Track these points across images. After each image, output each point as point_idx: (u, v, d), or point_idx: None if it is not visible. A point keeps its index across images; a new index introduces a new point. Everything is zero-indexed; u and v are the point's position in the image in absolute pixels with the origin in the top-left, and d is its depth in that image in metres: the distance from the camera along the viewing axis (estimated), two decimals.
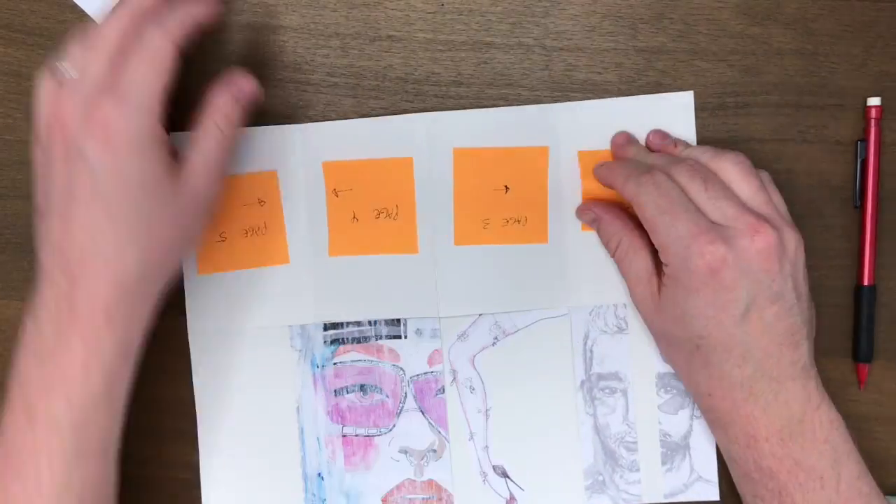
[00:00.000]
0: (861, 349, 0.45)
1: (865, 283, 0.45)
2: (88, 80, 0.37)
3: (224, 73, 0.41)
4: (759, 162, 0.45)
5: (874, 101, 0.44)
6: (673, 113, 0.45)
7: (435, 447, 0.46)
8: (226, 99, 0.40)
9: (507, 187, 0.45)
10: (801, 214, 0.45)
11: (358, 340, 0.46)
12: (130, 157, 0.37)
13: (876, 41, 0.45)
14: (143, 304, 0.40)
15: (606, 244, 0.44)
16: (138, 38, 0.38)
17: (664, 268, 0.40)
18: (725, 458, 0.42)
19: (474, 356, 0.46)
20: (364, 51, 0.47)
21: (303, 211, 0.46)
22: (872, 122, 0.44)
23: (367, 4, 0.46)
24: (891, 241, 0.45)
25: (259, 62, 0.47)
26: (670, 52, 0.45)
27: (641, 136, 0.45)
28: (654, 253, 0.41)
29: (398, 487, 0.46)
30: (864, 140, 0.45)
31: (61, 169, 0.38)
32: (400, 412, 0.46)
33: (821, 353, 0.46)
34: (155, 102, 0.37)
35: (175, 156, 0.40)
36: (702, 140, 0.45)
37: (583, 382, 0.46)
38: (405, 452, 0.46)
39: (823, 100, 0.45)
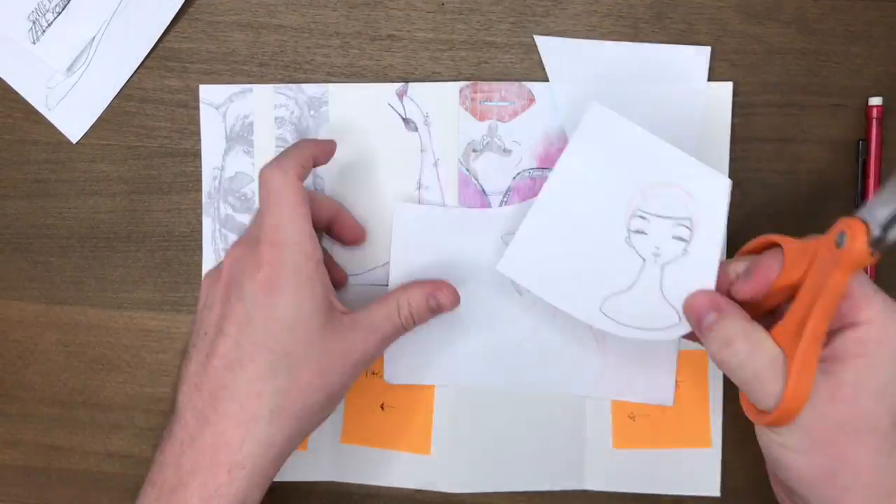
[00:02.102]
0: None
1: None
2: (244, 237, 0.39)
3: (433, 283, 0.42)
4: (760, 162, 0.45)
5: (875, 101, 0.44)
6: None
7: None
8: (423, 299, 0.41)
9: None
10: (802, 214, 0.45)
11: None
12: (282, 294, 0.36)
13: (877, 41, 0.45)
14: (271, 457, 0.36)
15: (720, 346, 0.35)
16: (265, 188, 0.38)
17: (849, 334, 0.33)
18: None
19: None
20: (364, 50, 0.47)
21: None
22: (874, 121, 0.44)
23: (368, 4, 0.46)
24: None
25: (259, 62, 0.47)
26: None
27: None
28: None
29: None
30: (866, 140, 0.45)
31: (218, 309, 0.37)
32: None
33: None
34: (304, 239, 0.37)
35: (335, 304, 0.39)
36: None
37: None
38: None
39: (825, 99, 0.45)
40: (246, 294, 0.36)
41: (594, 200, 0.38)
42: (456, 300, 0.42)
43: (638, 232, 0.37)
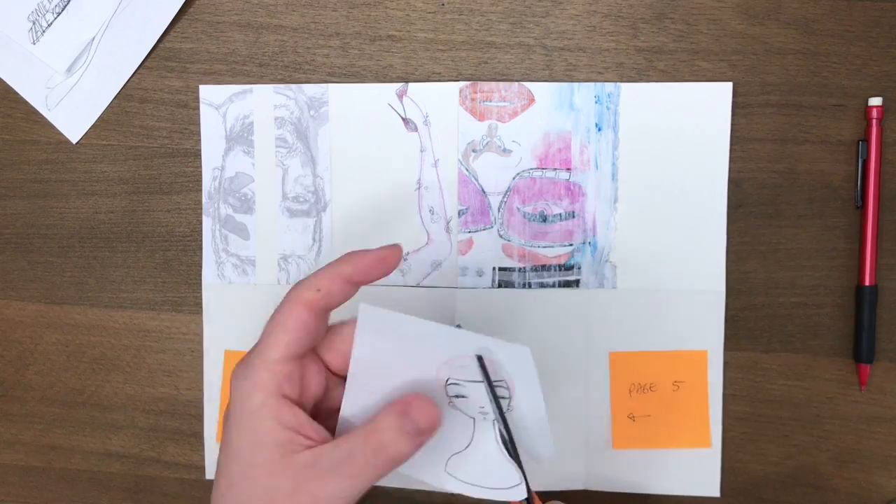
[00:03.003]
0: (862, 350, 0.45)
1: (867, 283, 0.45)
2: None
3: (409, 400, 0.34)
4: (760, 162, 0.45)
5: (875, 101, 0.44)
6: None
7: None
8: (397, 423, 0.34)
9: None
10: (802, 215, 0.45)
11: None
12: (228, 427, 0.34)
13: (877, 41, 0.45)
14: None
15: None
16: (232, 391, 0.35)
17: None
18: None
19: None
20: (364, 51, 0.47)
21: None
22: (874, 122, 0.44)
23: (368, 4, 0.46)
24: (892, 241, 0.45)
25: (259, 62, 0.47)
26: (671, 52, 0.45)
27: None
28: None
29: None
30: (866, 140, 0.45)
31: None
32: None
33: (822, 354, 0.46)
34: (277, 363, 0.34)
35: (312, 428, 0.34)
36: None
37: None
38: None
39: (825, 100, 0.45)
40: (230, 412, 0.35)
41: (403, 379, 0.35)
42: (436, 417, 0.34)
43: (458, 396, 0.35)
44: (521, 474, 0.35)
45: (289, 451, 0.33)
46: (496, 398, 0.35)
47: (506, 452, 0.36)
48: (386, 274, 0.35)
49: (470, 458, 0.36)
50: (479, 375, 0.34)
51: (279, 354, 0.34)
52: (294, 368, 0.34)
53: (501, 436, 0.36)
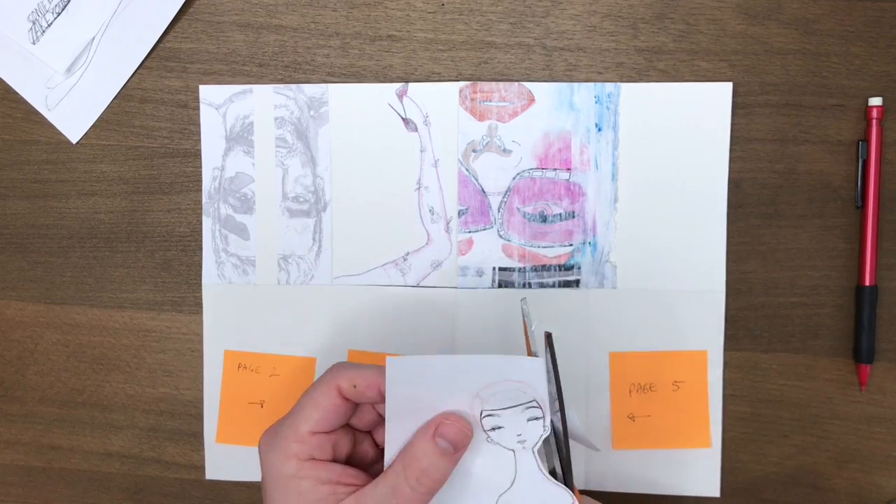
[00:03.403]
0: (862, 350, 0.45)
1: (867, 283, 0.45)
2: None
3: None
4: (760, 162, 0.45)
5: (875, 101, 0.44)
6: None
7: None
8: (431, 447, 0.35)
9: None
10: (802, 215, 0.45)
11: None
12: (289, 483, 0.36)
13: (877, 41, 0.45)
14: None
15: None
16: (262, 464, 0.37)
17: None
18: None
19: None
20: (364, 51, 0.47)
21: None
22: (874, 122, 0.44)
23: (368, 4, 0.46)
24: (892, 241, 0.45)
25: (259, 62, 0.47)
26: (671, 52, 0.45)
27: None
28: None
29: None
30: (866, 140, 0.45)
31: None
32: None
33: (822, 354, 0.46)
34: (307, 435, 0.36)
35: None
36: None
37: None
38: None
39: (824, 100, 0.45)
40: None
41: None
42: (467, 429, 0.36)
43: (494, 429, 0.36)
44: (570, 494, 0.36)
45: (334, 501, 0.35)
46: (558, 379, 0.36)
47: (550, 477, 0.36)
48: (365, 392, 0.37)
49: (518, 494, 0.36)
50: (514, 399, 0.35)
51: (309, 428, 0.36)
52: (324, 440, 0.36)
53: (556, 436, 0.36)
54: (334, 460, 0.37)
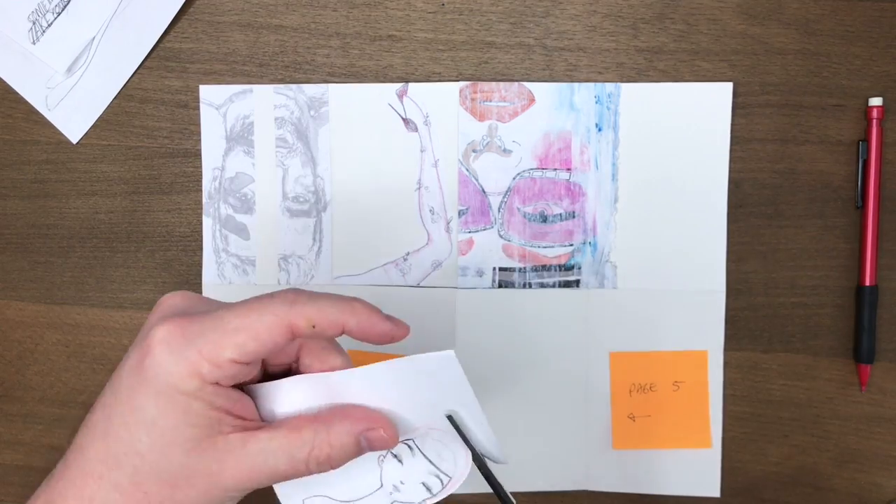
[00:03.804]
0: (862, 350, 0.45)
1: (867, 283, 0.45)
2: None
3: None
4: (760, 162, 0.45)
5: (876, 102, 0.44)
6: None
7: None
8: (351, 440, 0.32)
9: None
10: (802, 215, 0.45)
11: None
12: (178, 397, 0.31)
13: (878, 41, 0.45)
14: None
15: None
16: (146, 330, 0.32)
17: None
18: None
19: None
20: (364, 51, 0.47)
21: None
22: (874, 122, 0.44)
23: (368, 4, 0.46)
24: (892, 241, 0.45)
25: (259, 62, 0.47)
26: (671, 53, 0.45)
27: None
28: None
29: None
30: (866, 140, 0.45)
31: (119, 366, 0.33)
32: None
33: (822, 354, 0.46)
34: (227, 362, 0.30)
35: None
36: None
37: None
38: None
39: (825, 100, 0.45)
40: (122, 376, 0.32)
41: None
42: (394, 440, 0.32)
43: (395, 457, 0.34)
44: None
45: (215, 432, 0.31)
46: (477, 456, 0.34)
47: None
48: (381, 344, 0.33)
49: (408, 481, 0.35)
50: (440, 460, 0.33)
51: (234, 356, 0.30)
52: (240, 368, 0.31)
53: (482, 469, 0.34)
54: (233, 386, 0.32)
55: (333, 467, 0.32)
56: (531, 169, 0.46)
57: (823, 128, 0.45)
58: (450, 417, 0.33)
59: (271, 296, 0.31)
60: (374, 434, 0.32)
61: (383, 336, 0.32)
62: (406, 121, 0.47)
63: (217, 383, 0.30)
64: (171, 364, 0.30)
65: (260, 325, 0.30)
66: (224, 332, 0.30)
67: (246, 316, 0.30)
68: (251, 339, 0.30)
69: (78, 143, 0.49)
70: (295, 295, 0.31)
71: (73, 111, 0.48)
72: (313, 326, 0.31)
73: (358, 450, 0.32)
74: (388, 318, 0.33)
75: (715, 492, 0.46)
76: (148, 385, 0.30)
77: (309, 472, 0.32)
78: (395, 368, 0.31)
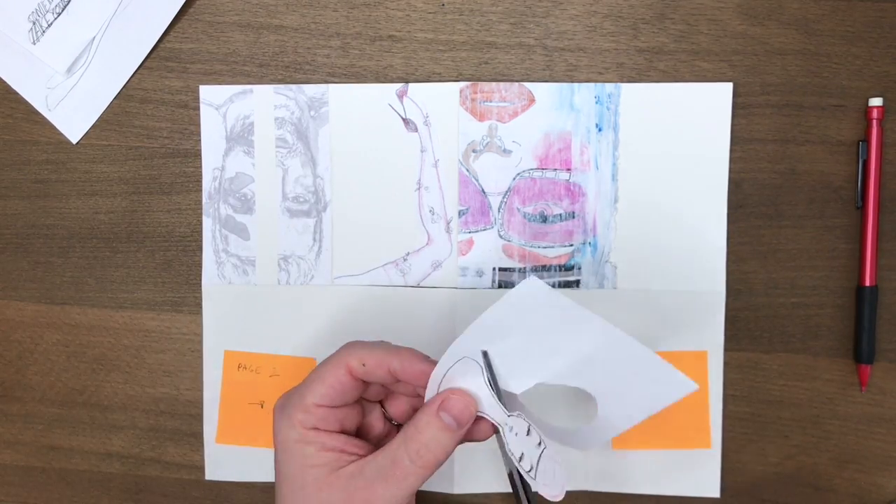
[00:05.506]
0: (862, 350, 0.45)
1: (867, 283, 0.45)
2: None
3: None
4: (760, 162, 0.45)
5: (876, 102, 0.44)
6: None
7: None
8: (433, 419, 0.36)
9: None
10: (802, 215, 0.45)
11: None
12: (294, 446, 0.37)
13: (878, 41, 0.45)
14: None
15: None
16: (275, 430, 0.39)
17: None
18: None
19: None
20: (364, 51, 0.47)
21: None
22: (874, 122, 0.44)
23: (368, 4, 0.46)
24: (892, 241, 0.45)
25: (259, 62, 0.47)
26: (672, 53, 0.45)
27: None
28: None
29: None
30: (866, 140, 0.45)
31: None
32: None
33: (822, 355, 0.46)
34: (312, 407, 0.37)
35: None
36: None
37: None
38: None
39: (825, 100, 0.45)
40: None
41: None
42: (472, 406, 0.36)
43: (511, 428, 0.36)
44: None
45: (335, 467, 0.36)
46: (499, 393, 0.36)
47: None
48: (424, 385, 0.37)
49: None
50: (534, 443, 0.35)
51: (314, 401, 0.37)
52: (329, 413, 0.37)
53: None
54: (342, 431, 0.37)
55: (434, 454, 0.35)
56: (531, 169, 0.46)
57: (823, 128, 0.45)
58: (484, 353, 0.36)
59: (340, 348, 0.38)
60: (448, 403, 0.36)
61: (424, 375, 0.37)
62: (406, 121, 0.47)
63: (317, 428, 0.37)
64: (280, 422, 0.37)
65: (325, 372, 0.37)
66: (306, 385, 0.37)
67: (318, 369, 0.38)
68: (320, 383, 0.37)
69: (78, 143, 0.49)
70: (353, 343, 0.38)
71: (73, 111, 0.48)
72: (363, 365, 0.37)
73: (443, 424, 0.35)
74: (429, 359, 0.37)
75: (715, 492, 0.46)
76: (277, 446, 0.38)
77: (415, 468, 0.35)
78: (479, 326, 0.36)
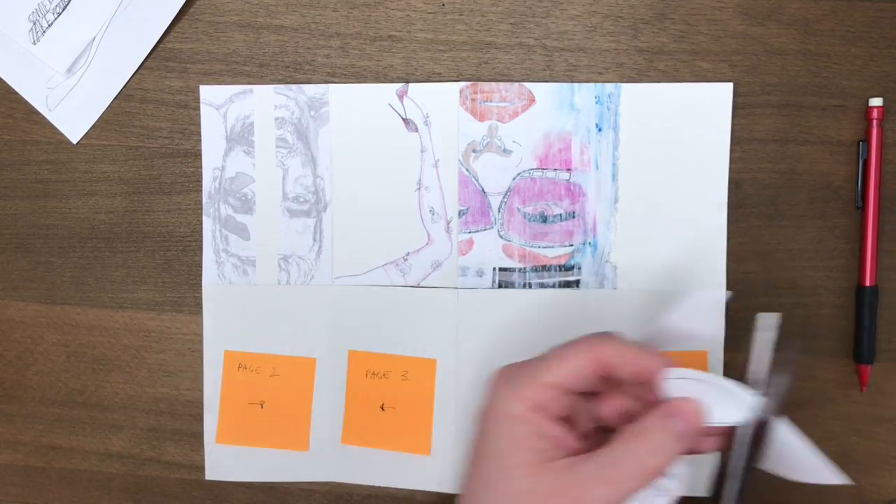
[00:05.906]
0: (862, 350, 0.45)
1: (867, 283, 0.45)
2: None
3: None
4: (760, 162, 0.45)
5: (876, 102, 0.44)
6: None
7: None
8: (662, 429, 0.34)
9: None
10: (802, 215, 0.45)
11: None
12: (485, 426, 0.35)
13: (878, 41, 0.45)
14: None
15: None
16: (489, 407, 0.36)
17: None
18: None
19: None
20: (364, 51, 0.47)
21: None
22: (874, 122, 0.44)
23: (368, 4, 0.46)
24: (892, 241, 0.45)
25: (260, 62, 0.47)
26: (672, 53, 0.45)
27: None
28: None
29: None
30: (866, 141, 0.45)
31: None
32: None
33: (822, 355, 0.46)
34: (545, 385, 0.34)
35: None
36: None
37: None
38: None
39: (825, 100, 0.45)
40: (479, 423, 0.36)
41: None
42: (702, 417, 0.35)
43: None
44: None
45: (548, 457, 0.33)
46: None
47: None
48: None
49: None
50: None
51: (549, 379, 0.34)
52: (559, 396, 0.34)
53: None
54: (560, 421, 0.35)
55: (656, 459, 0.34)
56: (531, 169, 0.46)
57: (823, 128, 0.45)
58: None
59: (584, 336, 0.36)
60: (677, 409, 0.34)
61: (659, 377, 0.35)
62: (406, 121, 0.47)
63: (542, 408, 0.34)
64: (502, 391, 0.35)
65: (570, 353, 0.35)
66: (542, 361, 0.35)
67: (559, 350, 0.35)
68: (561, 364, 0.34)
69: (78, 143, 0.49)
70: (605, 335, 0.35)
71: (73, 111, 0.48)
72: (623, 361, 0.34)
73: (670, 429, 0.34)
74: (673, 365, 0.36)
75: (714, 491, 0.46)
76: (488, 418, 0.35)
77: (635, 470, 0.33)
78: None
